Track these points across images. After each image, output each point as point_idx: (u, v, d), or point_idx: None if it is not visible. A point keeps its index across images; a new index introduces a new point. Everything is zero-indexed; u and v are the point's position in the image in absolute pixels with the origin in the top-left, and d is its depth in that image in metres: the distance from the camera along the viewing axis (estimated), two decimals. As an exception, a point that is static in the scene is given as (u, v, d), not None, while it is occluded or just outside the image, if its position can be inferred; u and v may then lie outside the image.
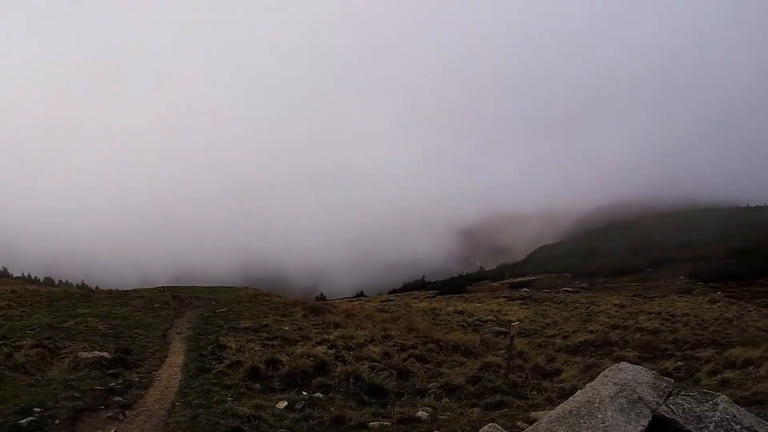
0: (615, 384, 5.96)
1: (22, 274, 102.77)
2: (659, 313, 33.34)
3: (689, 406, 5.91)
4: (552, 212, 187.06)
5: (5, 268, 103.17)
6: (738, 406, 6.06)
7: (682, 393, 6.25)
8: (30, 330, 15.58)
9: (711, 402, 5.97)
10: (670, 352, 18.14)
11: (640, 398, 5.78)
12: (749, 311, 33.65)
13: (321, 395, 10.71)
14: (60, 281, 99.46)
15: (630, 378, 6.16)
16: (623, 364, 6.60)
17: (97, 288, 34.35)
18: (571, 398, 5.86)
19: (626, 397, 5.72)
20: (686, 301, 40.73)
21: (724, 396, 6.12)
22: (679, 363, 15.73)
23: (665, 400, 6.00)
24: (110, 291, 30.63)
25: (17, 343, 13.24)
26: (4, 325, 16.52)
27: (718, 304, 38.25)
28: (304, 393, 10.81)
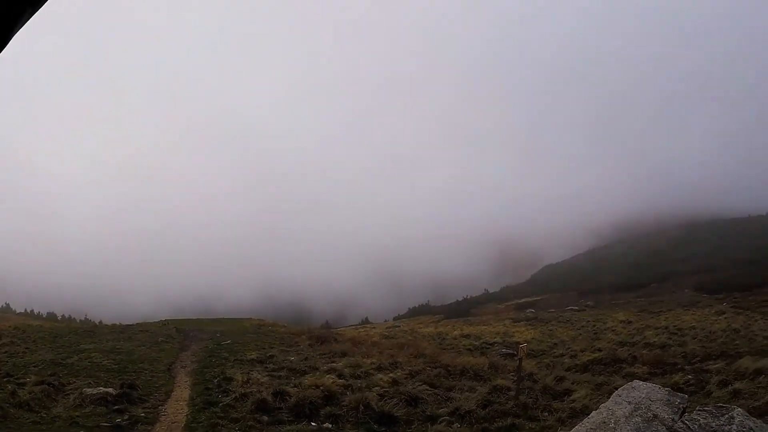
0: (629, 403, 5.88)
1: (25, 309, 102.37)
2: (666, 328, 33.19)
3: (705, 422, 5.82)
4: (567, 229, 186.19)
5: (8, 305, 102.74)
6: (754, 419, 5.97)
7: (698, 408, 6.17)
8: (34, 366, 15.48)
9: (727, 416, 5.89)
10: (679, 366, 17.98)
11: (655, 416, 5.70)
12: (756, 321, 33.43)
13: (330, 425, 10.58)
14: (63, 316, 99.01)
15: (644, 396, 6.08)
16: (636, 383, 6.52)
17: (100, 323, 34.22)
18: (585, 420, 5.78)
19: (641, 416, 5.64)
20: (693, 314, 40.54)
21: (739, 409, 6.04)
22: (689, 376, 15.58)
23: (681, 417, 5.91)
24: (113, 325, 30.53)
25: (21, 380, 13.17)
26: (7, 362, 16.41)
27: (725, 315, 38.06)
28: (313, 424, 10.68)
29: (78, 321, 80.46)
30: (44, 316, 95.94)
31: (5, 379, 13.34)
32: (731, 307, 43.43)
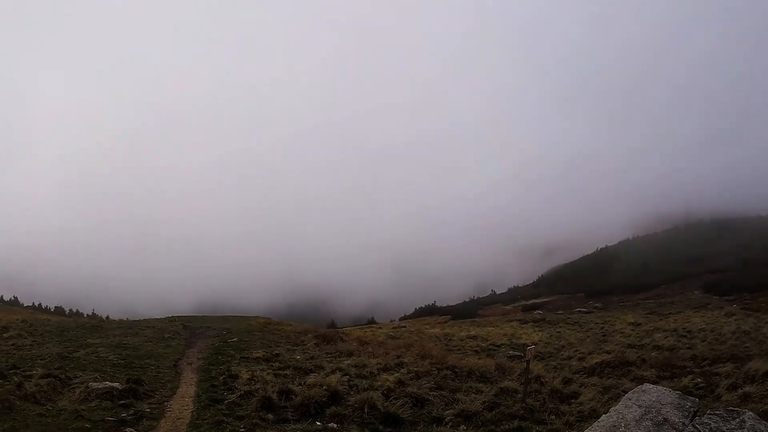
0: (639, 407, 5.79)
1: (33, 303, 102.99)
2: (675, 330, 32.92)
3: (716, 425, 5.73)
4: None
5: (16, 298, 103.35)
6: (765, 422, 5.88)
7: (708, 412, 6.07)
8: (40, 359, 15.51)
9: (738, 420, 5.79)
10: (688, 369, 17.82)
11: (665, 420, 5.60)
12: (766, 322, 33.12)
13: (335, 425, 10.53)
14: (70, 311, 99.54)
15: (654, 399, 5.98)
16: (646, 386, 6.42)
17: (107, 318, 34.35)
18: (595, 423, 5.69)
19: (652, 420, 5.55)
20: (702, 316, 40.22)
21: (750, 413, 5.94)
22: (698, 379, 15.44)
23: (691, 421, 5.82)
24: (121, 321, 30.65)
25: (28, 373, 13.22)
26: (14, 354, 16.45)
27: (735, 317, 37.74)
28: (318, 423, 10.63)
29: (85, 316, 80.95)
30: (52, 310, 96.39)
31: (12, 371, 13.39)
32: (741, 308, 43.12)
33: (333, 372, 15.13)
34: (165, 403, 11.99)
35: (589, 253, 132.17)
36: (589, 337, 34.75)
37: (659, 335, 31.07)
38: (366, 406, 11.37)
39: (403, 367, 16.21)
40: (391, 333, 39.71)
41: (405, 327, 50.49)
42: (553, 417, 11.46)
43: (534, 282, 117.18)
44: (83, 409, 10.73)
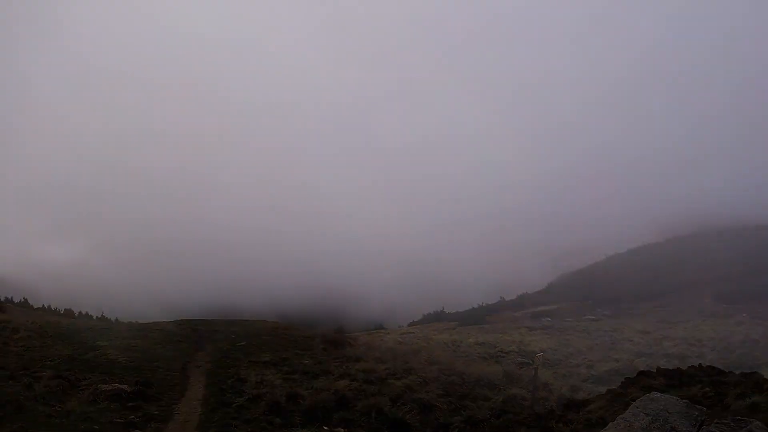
0: (647, 415, 5.79)
1: (43, 305, 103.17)
2: (685, 338, 32.74)
3: (723, 436, 5.71)
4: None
5: (26, 299, 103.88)
6: (772, 432, 5.85)
7: (716, 421, 6.06)
8: (50, 361, 15.57)
9: (745, 429, 5.79)
10: (697, 378, 17.73)
11: (672, 429, 5.61)
12: (777, 331, 32.84)
13: (342, 430, 10.55)
14: (80, 313, 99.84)
15: (662, 408, 5.98)
16: (654, 394, 6.42)
17: (117, 320, 34.38)
18: (602, 431, 5.70)
19: (659, 428, 5.55)
20: (711, 325, 39.94)
21: (758, 422, 5.93)
22: (707, 388, 15.34)
23: (698, 429, 5.82)
24: (130, 323, 30.69)
25: (37, 374, 13.31)
26: (24, 355, 16.51)
27: (744, 325, 37.49)
28: (326, 428, 10.67)
29: (95, 318, 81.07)
30: (61, 312, 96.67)
31: (22, 372, 13.49)
32: (751, 317, 42.79)
33: (341, 377, 15.15)
34: (173, 406, 12.06)
35: (599, 260, 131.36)
36: (597, 344, 34.57)
37: (668, 343, 30.95)
38: (373, 411, 11.41)
39: (410, 373, 16.21)
40: (399, 339, 39.61)
41: (413, 333, 50.34)
42: (561, 425, 11.42)
43: (543, 289, 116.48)
44: (92, 411, 10.82)
